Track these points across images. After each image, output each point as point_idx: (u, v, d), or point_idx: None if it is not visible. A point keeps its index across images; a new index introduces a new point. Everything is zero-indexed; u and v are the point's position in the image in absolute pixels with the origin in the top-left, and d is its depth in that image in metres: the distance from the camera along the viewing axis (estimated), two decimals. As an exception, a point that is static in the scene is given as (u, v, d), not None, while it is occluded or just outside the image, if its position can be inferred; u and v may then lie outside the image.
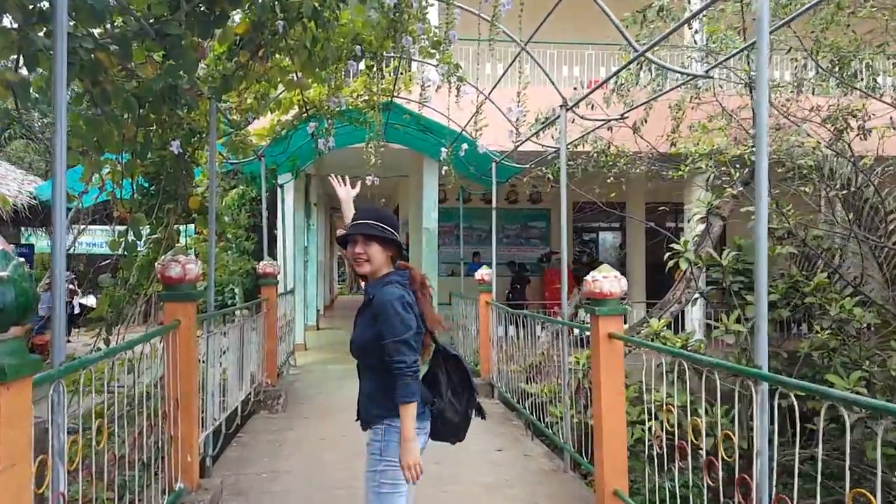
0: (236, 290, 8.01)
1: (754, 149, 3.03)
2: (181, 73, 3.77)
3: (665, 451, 3.70)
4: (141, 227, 4.55)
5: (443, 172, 7.15)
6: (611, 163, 8.41)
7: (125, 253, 4.29)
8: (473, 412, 2.85)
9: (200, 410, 4.45)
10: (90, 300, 22.85)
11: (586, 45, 10.53)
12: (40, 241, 14.23)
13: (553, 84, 4.69)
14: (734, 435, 3.00)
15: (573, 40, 10.29)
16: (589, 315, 4.09)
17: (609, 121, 5.31)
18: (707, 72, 4.43)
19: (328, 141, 5.03)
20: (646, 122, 8.27)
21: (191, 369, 3.79)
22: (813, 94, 8.52)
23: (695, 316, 10.46)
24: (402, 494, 2.52)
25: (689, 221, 10.36)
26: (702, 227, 9.29)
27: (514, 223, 15.75)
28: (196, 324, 3.93)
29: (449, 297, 10.43)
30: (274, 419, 6.51)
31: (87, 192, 4.67)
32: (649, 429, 3.82)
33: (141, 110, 4.31)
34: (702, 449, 3.26)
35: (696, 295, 8.56)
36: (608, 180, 8.93)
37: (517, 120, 4.81)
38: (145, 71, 3.91)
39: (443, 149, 6.94)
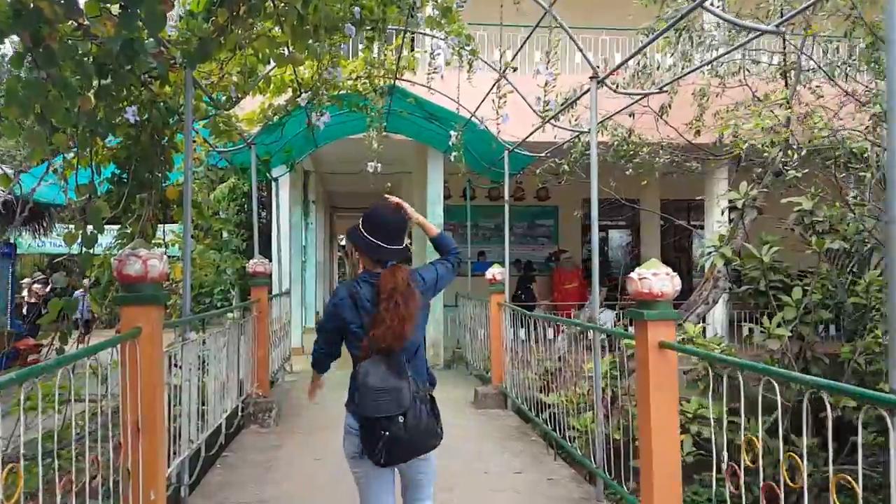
0: (233, 292, 7.32)
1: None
2: (143, 28, 3.09)
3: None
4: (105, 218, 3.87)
5: (452, 158, 6.45)
6: (632, 152, 7.72)
7: (82, 249, 3.61)
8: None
9: (172, 434, 3.76)
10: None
11: (600, 30, 9.86)
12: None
13: (581, 52, 4.03)
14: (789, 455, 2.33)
15: (585, 25, 9.61)
16: (632, 320, 3.41)
17: (646, 94, 4.65)
18: (778, 25, 3.75)
19: (321, 115, 4.33)
20: (670, 106, 7.59)
21: (155, 387, 3.10)
22: (846, 78, 7.85)
23: (716, 318, 9.78)
24: (360, 485, 2.61)
25: (721, 215, 9.67)
26: (718, 222, 8.63)
27: (521, 221, 15.05)
28: (162, 331, 3.25)
29: (455, 297, 9.74)
30: (265, 435, 5.83)
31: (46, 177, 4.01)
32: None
33: (103, 80, 3.64)
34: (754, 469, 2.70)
35: (725, 295, 7.90)
36: (626, 172, 8.24)
37: (546, 85, 4.12)
38: (103, 29, 3.23)
39: (452, 132, 6.25)
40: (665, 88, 4.71)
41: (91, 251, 3.67)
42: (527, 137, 6.62)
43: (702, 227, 11.14)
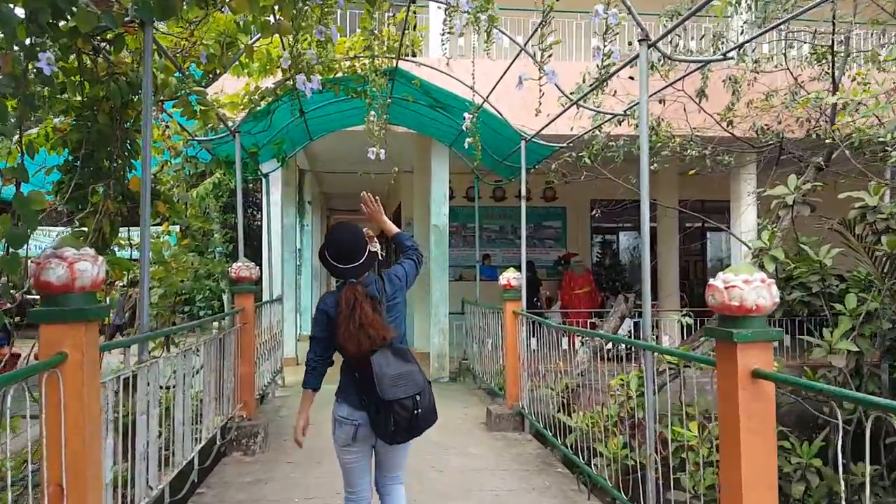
0: (224, 299, 6.52)
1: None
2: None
3: None
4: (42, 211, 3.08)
5: (466, 145, 5.66)
6: (660, 143, 6.94)
7: (8, 250, 2.82)
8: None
9: (124, 480, 2.97)
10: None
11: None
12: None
13: (630, 11, 3.25)
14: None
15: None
16: (714, 340, 2.63)
17: (707, 61, 3.88)
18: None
19: (310, 80, 3.54)
20: (704, 92, 6.82)
21: (85, 432, 2.31)
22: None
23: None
24: (347, 467, 2.87)
25: (744, 215, 8.91)
26: (759, 222, 7.84)
27: (527, 222, 14.24)
28: (99, 356, 2.45)
29: (461, 304, 8.96)
30: (249, 465, 5.02)
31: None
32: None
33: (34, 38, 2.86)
34: None
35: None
36: (652, 167, 7.45)
37: (606, 58, 3.30)
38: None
39: (466, 114, 5.46)
40: (730, 55, 3.95)
41: (20, 252, 2.87)
42: (550, 122, 5.83)
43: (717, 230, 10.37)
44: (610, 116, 6.09)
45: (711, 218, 15.12)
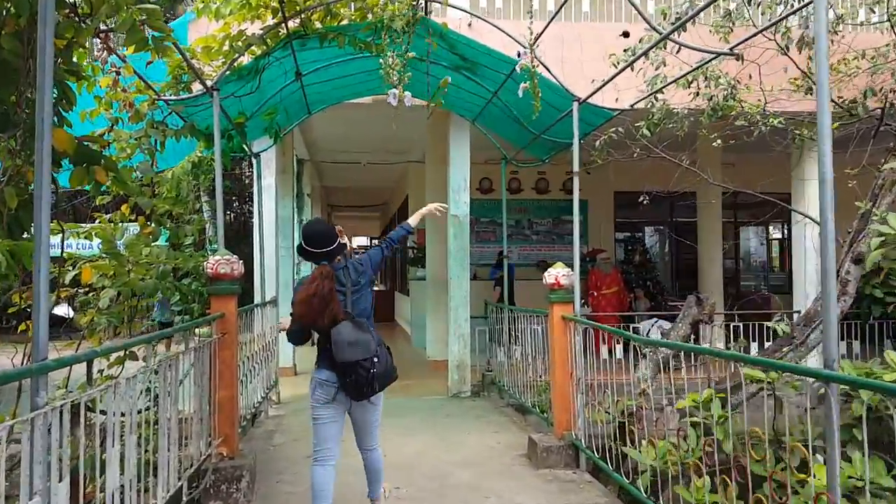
0: (195, 308, 5.26)
1: None
2: None
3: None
4: None
5: (520, 92, 4.38)
6: (734, 113, 5.66)
7: None
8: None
9: None
10: (63, 309, 20.03)
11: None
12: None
13: None
14: None
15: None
16: None
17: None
18: None
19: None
20: (788, 49, 5.55)
21: None
22: None
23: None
24: (321, 423, 3.29)
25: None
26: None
27: (545, 216, 13.03)
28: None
29: (484, 306, 7.69)
30: (228, 522, 3.77)
31: None
32: None
33: None
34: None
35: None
36: (714, 143, 6.19)
37: None
38: None
39: (522, 53, 4.16)
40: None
41: None
42: (613, 78, 4.57)
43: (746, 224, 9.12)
44: (687, 72, 4.84)
45: (752, 212, 13.91)
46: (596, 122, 5.34)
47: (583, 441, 4.60)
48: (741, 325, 7.40)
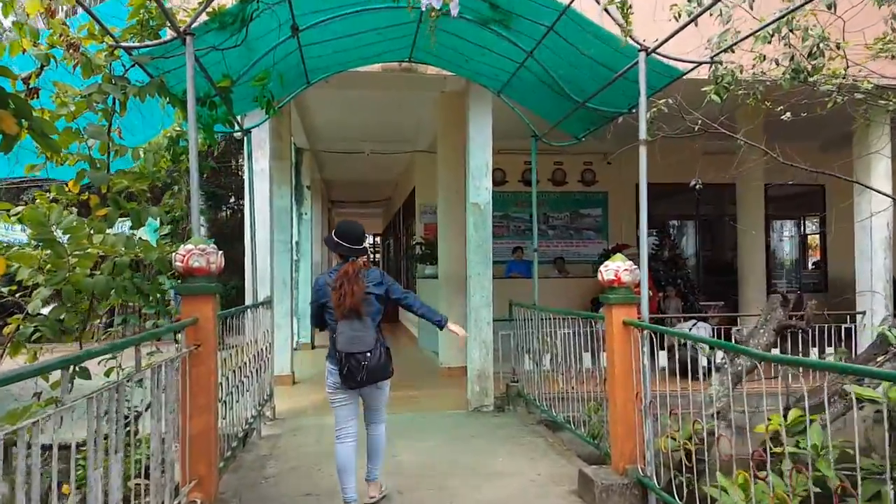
0: (167, 310, 4.26)
1: None
2: None
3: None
4: None
5: (605, 11, 3.40)
6: (819, 77, 4.66)
7: None
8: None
9: None
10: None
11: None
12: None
13: None
14: None
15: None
16: None
17: None
18: None
19: None
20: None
21: None
22: None
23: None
24: (337, 406, 3.67)
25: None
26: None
27: (562, 210, 12.05)
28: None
29: (509, 307, 6.70)
30: None
31: None
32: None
33: None
34: None
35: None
36: (783, 117, 5.21)
37: None
38: None
39: None
40: None
41: None
42: (687, 25, 3.59)
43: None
44: (770, 22, 3.85)
45: (792, 204, 12.90)
46: (658, 85, 4.34)
47: (654, 478, 3.62)
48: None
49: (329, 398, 3.70)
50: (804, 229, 12.96)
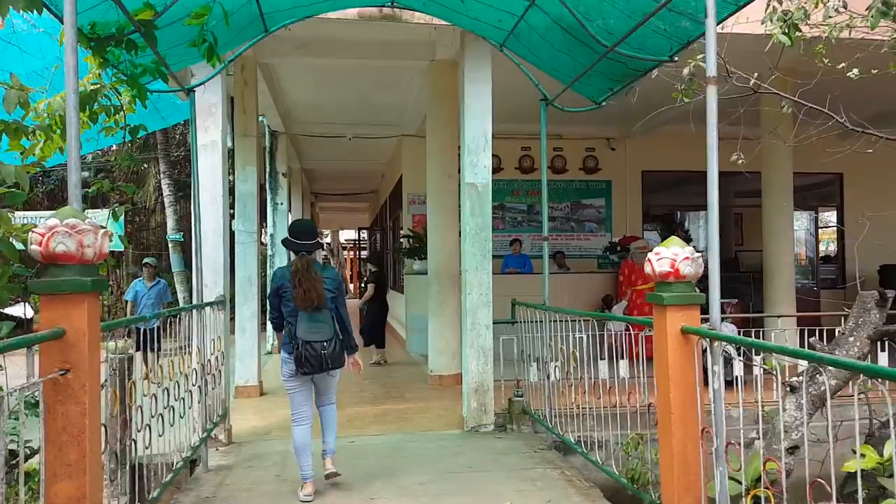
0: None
1: None
2: None
3: None
4: None
5: None
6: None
7: None
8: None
9: None
10: (19, 309, 17.72)
11: None
12: None
13: None
14: None
15: None
16: None
17: None
18: None
19: None
20: None
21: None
22: None
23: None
24: (294, 392, 3.89)
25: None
26: None
27: (562, 200, 10.99)
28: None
29: (511, 307, 5.62)
30: None
31: None
32: None
33: None
34: None
35: None
36: (873, 70, 4.15)
37: None
38: None
39: None
40: None
41: None
42: None
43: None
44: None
45: (806, 194, 11.88)
46: (720, 13, 3.25)
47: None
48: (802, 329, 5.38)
49: (285, 385, 3.91)
50: (818, 222, 11.97)
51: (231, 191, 6.14)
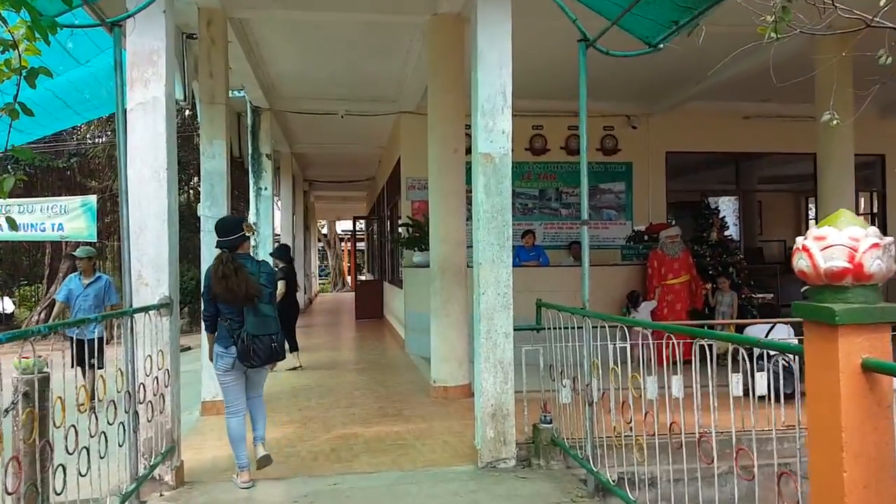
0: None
1: None
2: None
3: None
4: None
5: None
6: None
7: None
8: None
9: None
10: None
11: None
12: None
13: None
14: None
15: None
16: None
17: None
18: None
19: None
20: None
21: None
22: None
23: None
24: (228, 386, 3.91)
25: None
26: None
27: (575, 185, 9.81)
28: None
29: (536, 311, 4.46)
30: None
31: None
32: None
33: None
34: None
35: None
36: None
37: None
38: None
39: None
40: None
41: None
42: None
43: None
44: None
45: (863, 173, 10.73)
46: None
47: None
48: None
49: (220, 379, 3.93)
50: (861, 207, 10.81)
51: (197, 169, 4.98)
